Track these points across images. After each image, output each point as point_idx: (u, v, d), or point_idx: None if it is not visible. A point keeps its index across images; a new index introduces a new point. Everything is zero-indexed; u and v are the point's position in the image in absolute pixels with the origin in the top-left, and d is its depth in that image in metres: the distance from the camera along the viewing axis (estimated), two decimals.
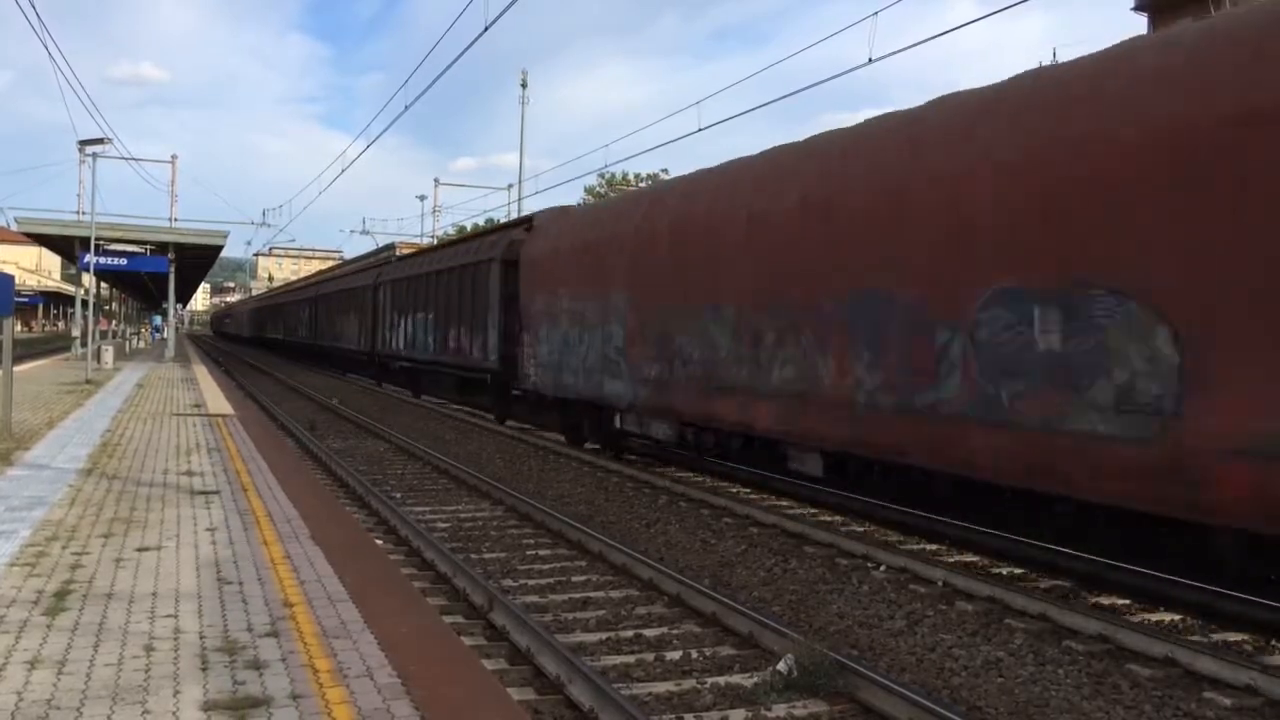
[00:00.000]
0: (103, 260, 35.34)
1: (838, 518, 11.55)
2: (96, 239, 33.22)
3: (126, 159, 45.81)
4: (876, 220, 9.43)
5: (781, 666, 6.13)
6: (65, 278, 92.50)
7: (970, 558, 9.65)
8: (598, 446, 17.05)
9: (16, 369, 16.08)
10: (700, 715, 5.66)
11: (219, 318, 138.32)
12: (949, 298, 8.53)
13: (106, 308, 57.26)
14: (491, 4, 16.73)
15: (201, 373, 32.66)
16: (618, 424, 15.69)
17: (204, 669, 4.73)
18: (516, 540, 10.35)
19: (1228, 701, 5.94)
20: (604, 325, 15.20)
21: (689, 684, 6.14)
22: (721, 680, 6.21)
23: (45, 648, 4.98)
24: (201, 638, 5.20)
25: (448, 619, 7.06)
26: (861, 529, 10.97)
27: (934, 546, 10.10)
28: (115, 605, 5.76)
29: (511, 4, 15.21)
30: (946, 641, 7.07)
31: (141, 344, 64.37)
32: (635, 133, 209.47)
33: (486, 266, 21.60)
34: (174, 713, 4.19)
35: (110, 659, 4.84)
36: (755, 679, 6.19)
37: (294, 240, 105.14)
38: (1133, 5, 23.98)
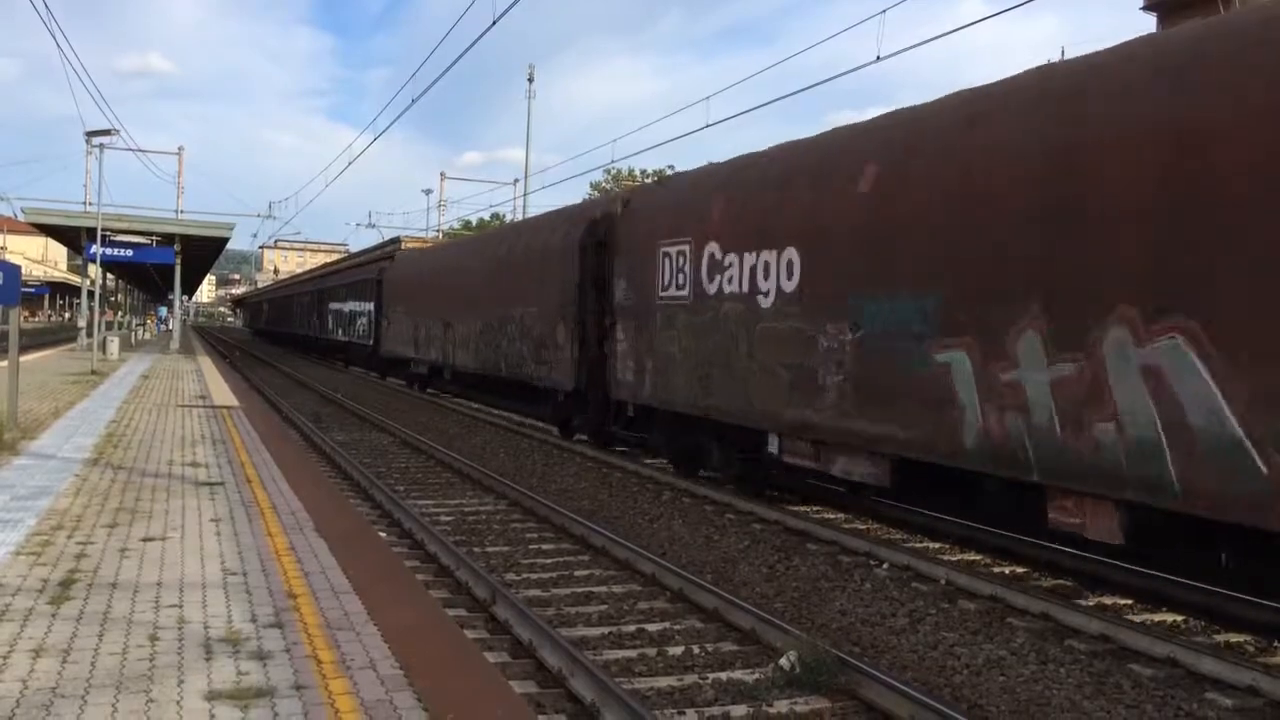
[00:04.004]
0: (109, 251, 35.40)
1: (840, 515, 11.55)
2: (103, 230, 33.28)
3: (134, 150, 45.86)
4: None
5: (784, 663, 6.14)
6: (71, 268, 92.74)
7: (973, 556, 9.65)
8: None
9: (22, 359, 16.11)
10: (702, 710, 5.67)
11: (267, 305, 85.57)
12: None
13: (112, 299, 57.40)
14: None
15: (206, 364, 32.73)
16: None
17: (208, 659, 4.75)
18: (520, 534, 10.37)
19: (1229, 702, 5.95)
20: None
21: (691, 679, 6.15)
22: (723, 676, 6.22)
23: (50, 636, 5.00)
24: (206, 628, 5.22)
25: (450, 612, 7.08)
26: (864, 526, 10.98)
27: (937, 545, 10.11)
28: (120, 595, 5.78)
29: None
30: (948, 640, 7.08)
31: (147, 335, 64.48)
32: (642, 129, 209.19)
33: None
34: (178, 702, 4.21)
35: (115, 648, 4.86)
36: (757, 675, 6.21)
37: (300, 233, 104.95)
38: (1142, 5, 23.97)
